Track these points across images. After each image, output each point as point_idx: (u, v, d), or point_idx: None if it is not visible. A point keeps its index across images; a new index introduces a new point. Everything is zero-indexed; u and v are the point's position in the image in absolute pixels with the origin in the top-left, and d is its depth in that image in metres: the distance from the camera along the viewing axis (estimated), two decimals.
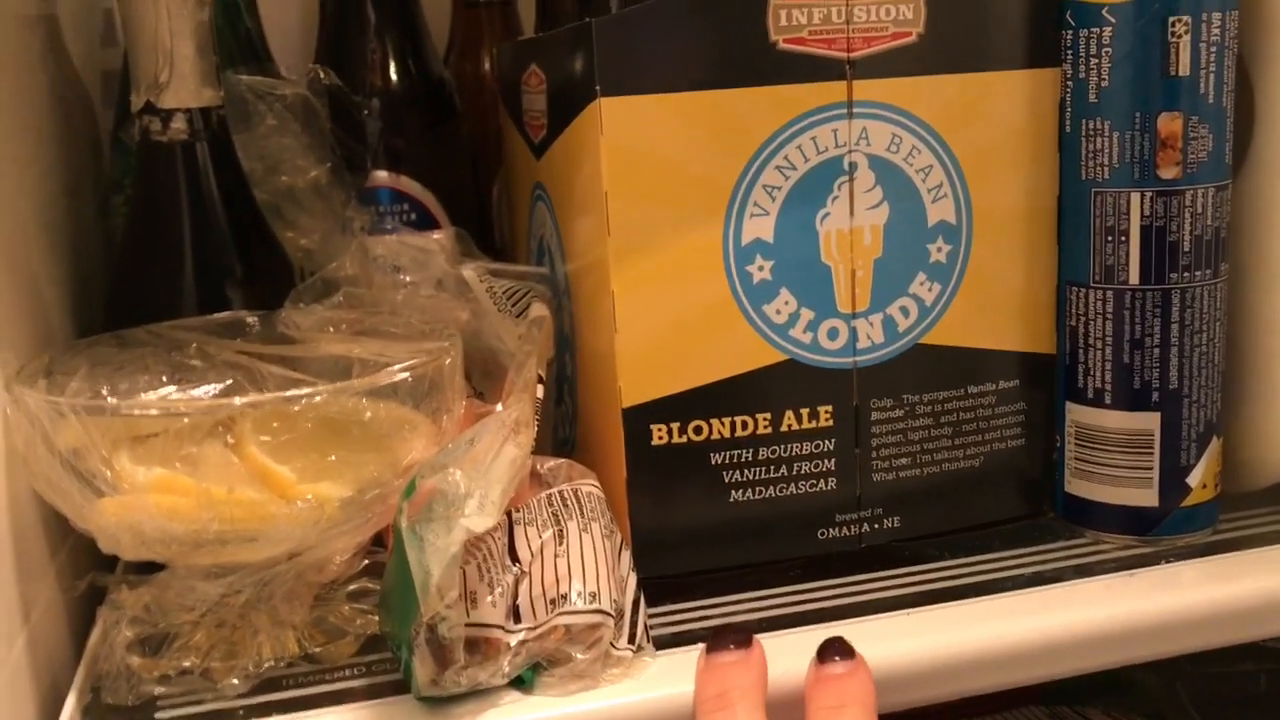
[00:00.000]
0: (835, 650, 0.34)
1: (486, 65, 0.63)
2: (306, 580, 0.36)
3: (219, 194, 0.43)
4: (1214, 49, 0.37)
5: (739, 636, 0.34)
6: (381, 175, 0.52)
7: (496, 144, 0.54)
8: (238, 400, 0.31)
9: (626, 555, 0.36)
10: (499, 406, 0.35)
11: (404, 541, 0.30)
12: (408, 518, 0.30)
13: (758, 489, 0.39)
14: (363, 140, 0.51)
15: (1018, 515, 0.42)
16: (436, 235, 0.47)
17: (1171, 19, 0.37)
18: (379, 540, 0.38)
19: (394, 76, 0.52)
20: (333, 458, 0.34)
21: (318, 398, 0.32)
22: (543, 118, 0.44)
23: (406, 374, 0.33)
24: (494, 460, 0.31)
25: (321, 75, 0.50)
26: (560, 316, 0.45)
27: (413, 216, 0.52)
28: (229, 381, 0.33)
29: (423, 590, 0.30)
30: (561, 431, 0.47)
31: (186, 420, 0.31)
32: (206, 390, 0.33)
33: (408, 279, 0.44)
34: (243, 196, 0.44)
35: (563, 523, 0.35)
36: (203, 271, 0.43)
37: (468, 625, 0.33)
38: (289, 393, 0.32)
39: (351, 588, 0.38)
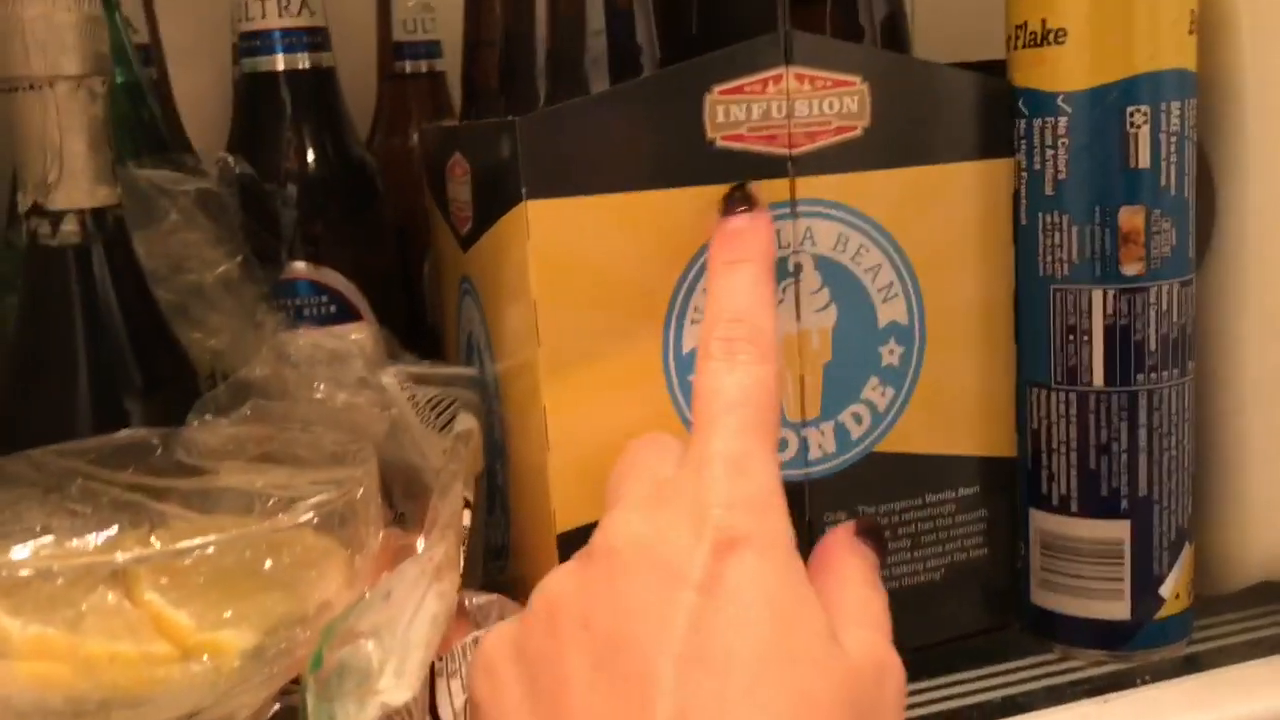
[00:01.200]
0: (740, 201, 0.33)
1: (415, 138, 0.60)
2: None
3: (116, 299, 0.40)
4: (1174, 139, 0.35)
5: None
6: (299, 266, 0.49)
7: (426, 221, 0.52)
8: (120, 556, 0.28)
9: None
10: (420, 542, 0.32)
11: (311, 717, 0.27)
12: (315, 693, 0.27)
13: None
14: (277, 230, 0.48)
15: (982, 629, 0.40)
16: (355, 335, 0.44)
17: (1129, 109, 0.35)
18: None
19: (310, 161, 0.49)
20: (231, 601, 0.31)
21: (211, 548, 0.28)
22: (468, 209, 0.41)
23: (312, 514, 0.30)
24: (414, 617, 0.28)
25: (232, 163, 0.47)
26: (491, 421, 0.42)
27: (333, 309, 0.49)
28: (114, 530, 0.30)
29: None
30: (494, 539, 0.44)
31: (61, 580, 0.27)
32: (88, 541, 0.29)
33: (322, 386, 0.40)
34: (143, 300, 0.41)
35: None
36: (97, 385, 0.39)
37: None
38: (180, 545, 0.28)
39: None
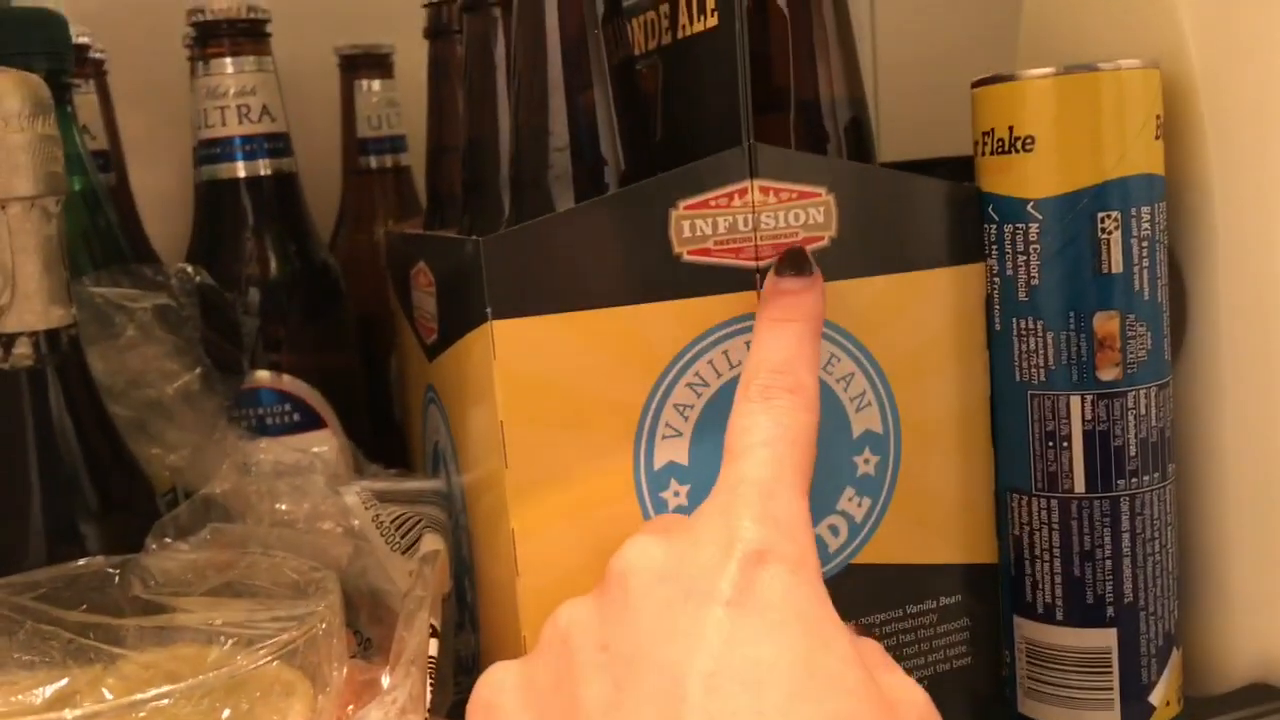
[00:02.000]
0: (792, 264, 0.33)
1: (380, 234, 0.60)
2: None
3: (70, 421, 0.39)
4: (1145, 244, 0.35)
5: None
6: (261, 375, 0.48)
7: (393, 317, 0.51)
8: (69, 714, 0.27)
9: None
10: (385, 678, 0.31)
11: None
12: None
13: None
14: (239, 339, 0.47)
15: None
16: (318, 448, 0.43)
17: (1100, 214, 0.35)
18: None
19: (271, 268, 0.48)
20: None
21: (166, 700, 0.27)
22: (433, 321, 0.40)
23: (271, 658, 0.29)
24: None
25: (191, 273, 0.46)
26: (458, 534, 0.41)
27: (296, 416, 0.48)
28: (63, 682, 0.29)
29: None
30: (465, 654, 0.42)
31: None
32: (33, 697, 0.28)
33: (283, 505, 0.39)
34: (98, 420, 0.40)
35: None
36: (51, 511, 0.38)
37: None
38: (133, 698, 0.27)
39: None
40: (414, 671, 0.30)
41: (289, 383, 0.48)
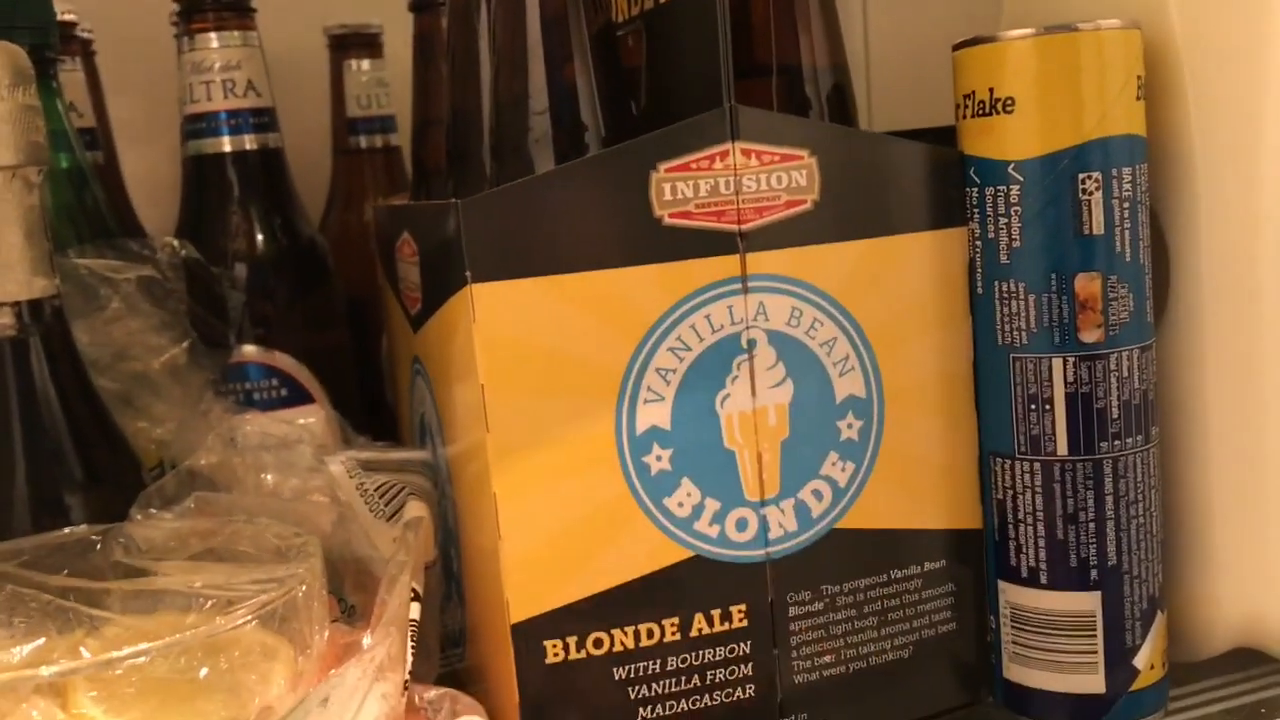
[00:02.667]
0: None
1: (370, 213, 0.60)
2: None
3: (55, 392, 0.39)
4: (1127, 205, 0.35)
5: None
6: (249, 350, 0.48)
7: (382, 296, 0.51)
8: (46, 670, 0.27)
9: None
10: (366, 639, 0.31)
11: None
12: None
13: (668, 703, 0.35)
14: (225, 314, 0.47)
15: (954, 705, 0.39)
16: (305, 419, 0.43)
17: (1081, 175, 0.34)
18: None
19: (258, 243, 0.48)
20: (170, 707, 0.29)
21: (143, 658, 0.27)
22: (417, 290, 0.40)
23: (251, 617, 0.29)
24: None
25: (178, 247, 0.46)
26: (444, 505, 0.41)
27: (284, 392, 0.48)
28: (40, 641, 0.29)
29: None
30: (452, 626, 0.42)
31: None
32: (10, 655, 0.28)
33: (269, 476, 0.39)
34: (84, 392, 0.40)
35: None
36: (36, 482, 0.38)
37: None
38: (110, 655, 0.27)
39: None
40: (394, 632, 0.30)
41: (277, 358, 0.48)
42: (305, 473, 0.41)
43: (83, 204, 0.48)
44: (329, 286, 0.51)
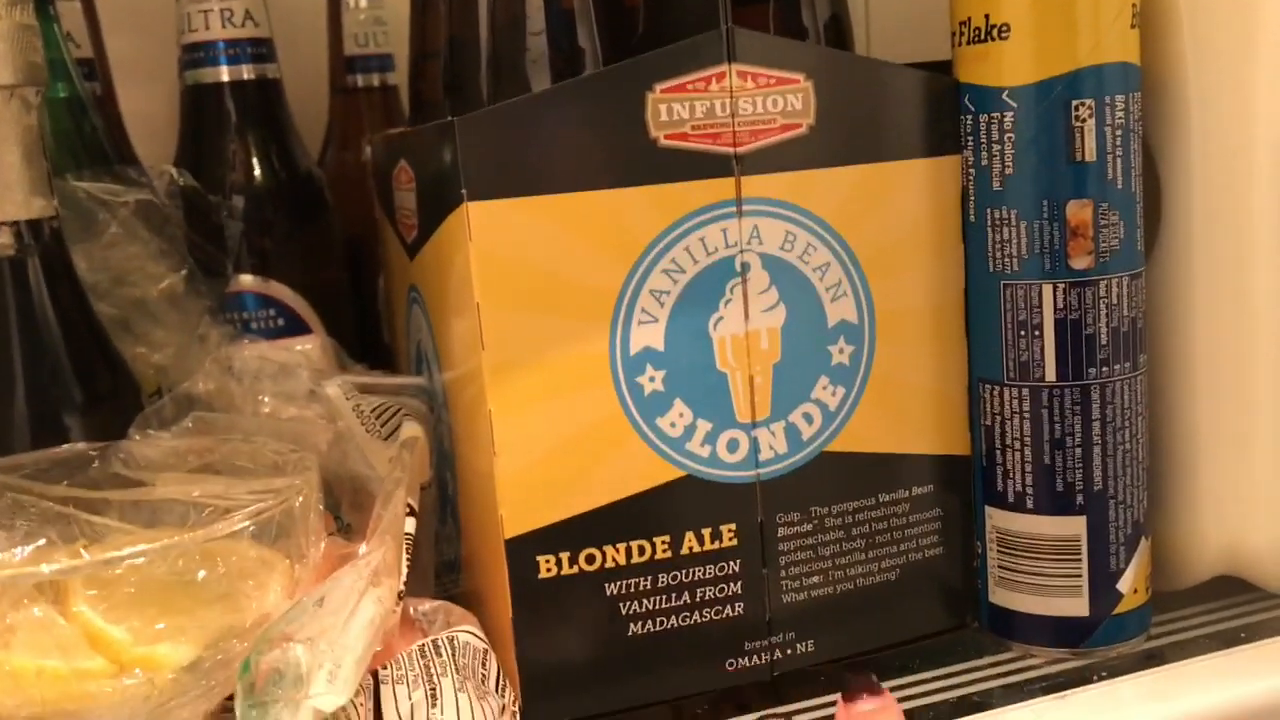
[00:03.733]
0: (863, 686, 0.33)
1: (368, 152, 0.60)
2: None
3: (54, 313, 0.39)
4: (1120, 133, 0.35)
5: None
6: (246, 279, 0.48)
7: (380, 236, 0.51)
8: (45, 568, 0.27)
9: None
10: (362, 548, 0.31)
11: None
12: (246, 701, 0.26)
13: (658, 619, 0.36)
14: (223, 243, 0.47)
15: (940, 629, 0.39)
16: (302, 346, 0.43)
17: (1074, 103, 0.35)
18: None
19: (256, 174, 0.49)
20: (168, 615, 0.30)
21: (141, 559, 0.27)
22: (413, 217, 0.41)
23: (248, 523, 0.29)
24: (348, 622, 0.27)
25: (175, 175, 0.46)
26: (440, 430, 0.41)
27: (280, 322, 0.48)
28: (41, 542, 0.29)
29: None
30: (447, 552, 0.43)
31: None
32: (11, 554, 0.28)
33: (267, 399, 0.40)
34: (83, 314, 0.40)
35: (435, 680, 0.31)
36: (36, 400, 0.38)
37: None
38: (107, 555, 0.28)
39: None
40: (389, 541, 0.31)
41: (274, 288, 0.48)
42: (303, 400, 0.42)
43: (81, 133, 0.48)
44: (326, 219, 0.51)
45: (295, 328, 0.48)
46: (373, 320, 0.57)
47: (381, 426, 0.38)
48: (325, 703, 0.26)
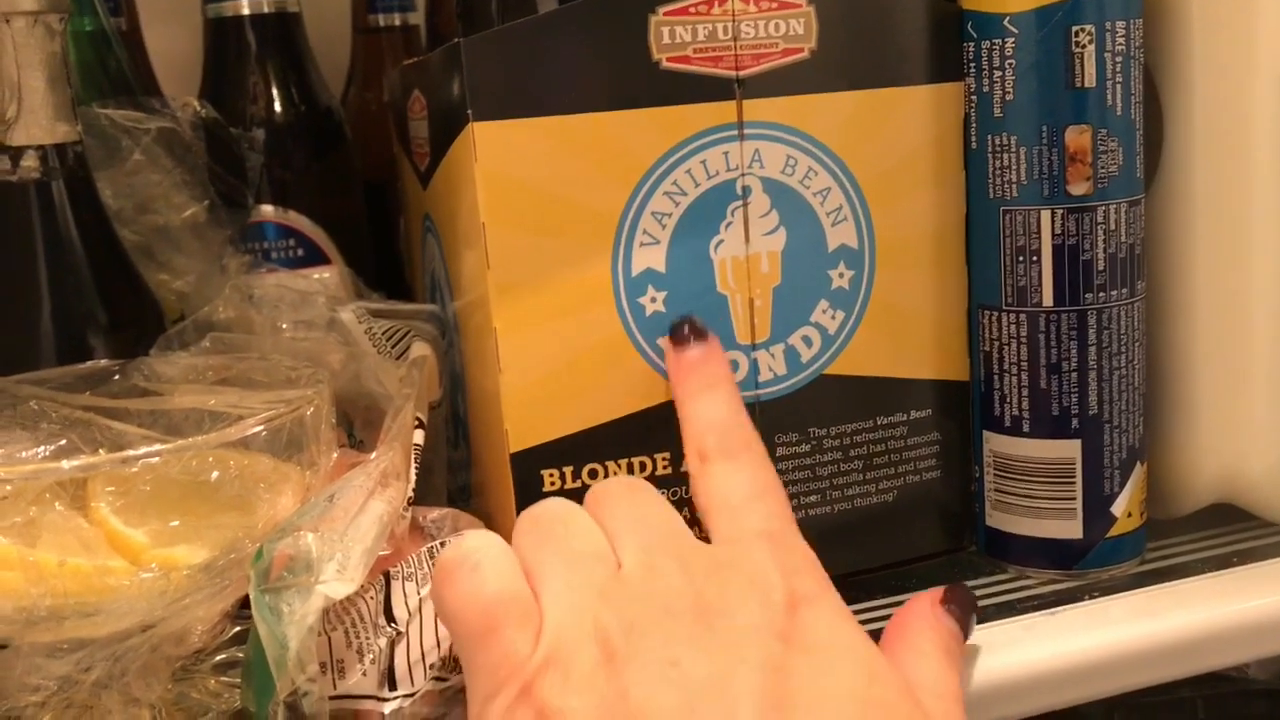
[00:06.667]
0: (692, 333, 0.35)
1: (387, 89, 0.61)
2: (164, 654, 0.33)
3: (79, 236, 0.40)
4: (1119, 59, 0.35)
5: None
6: (266, 209, 0.49)
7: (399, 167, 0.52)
8: (65, 464, 0.28)
9: None
10: (373, 456, 0.33)
11: (256, 613, 0.28)
12: (259, 587, 0.27)
13: None
14: (243, 175, 0.48)
15: (936, 551, 0.40)
16: (319, 274, 0.44)
17: (1074, 29, 0.35)
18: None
19: (277, 107, 0.49)
20: (185, 519, 0.31)
21: (156, 459, 0.29)
22: (426, 145, 0.41)
23: (260, 428, 0.30)
24: (356, 517, 0.29)
25: (198, 108, 0.47)
26: (451, 355, 0.42)
27: (300, 252, 0.49)
28: (61, 443, 0.30)
29: (278, 665, 0.28)
30: (459, 477, 0.44)
31: (9, 487, 0.28)
32: (34, 453, 0.30)
33: (285, 325, 0.41)
34: (107, 238, 0.41)
35: None
36: (61, 320, 0.40)
37: (335, 698, 0.30)
38: (125, 453, 0.29)
39: (220, 658, 0.35)
40: (398, 448, 0.32)
41: (293, 218, 0.49)
42: (322, 329, 0.43)
43: (105, 66, 0.49)
44: (345, 151, 0.52)
45: (314, 258, 0.50)
46: (393, 258, 0.58)
47: (392, 348, 0.39)
48: (334, 589, 0.27)
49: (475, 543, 0.29)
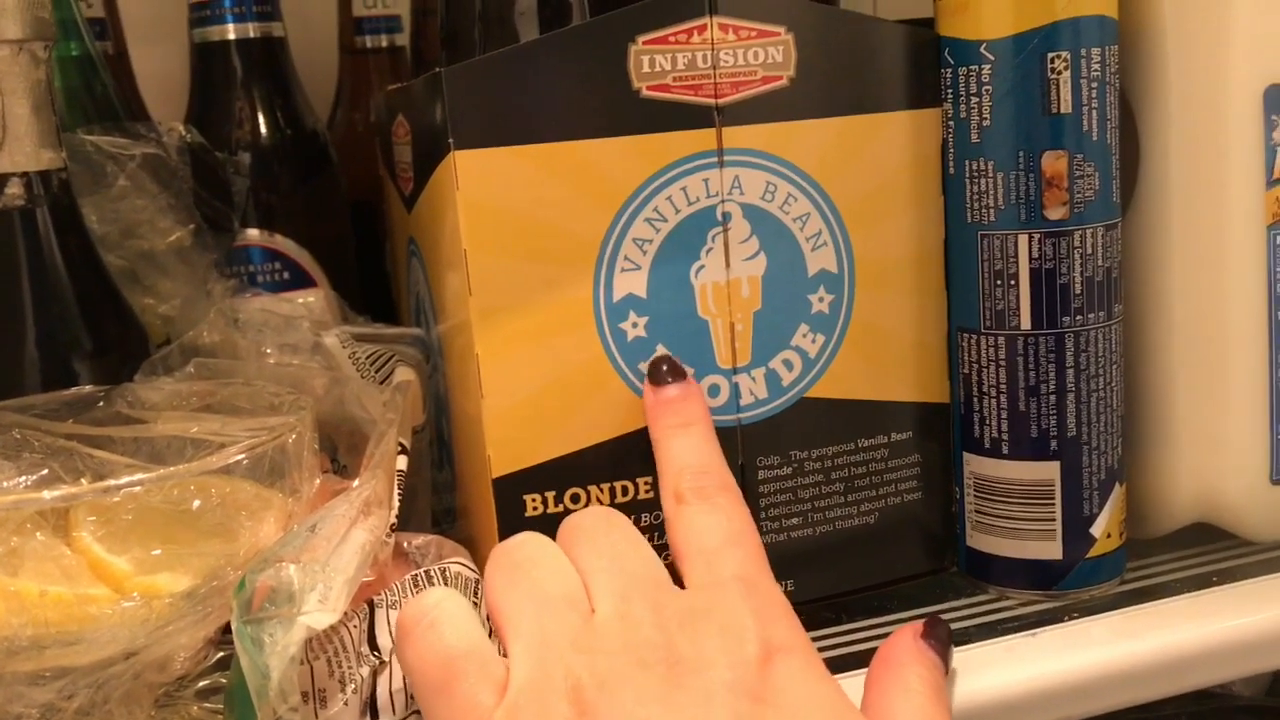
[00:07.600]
0: (669, 373, 0.35)
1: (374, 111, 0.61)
2: (147, 681, 0.33)
3: (63, 262, 0.40)
4: (1095, 85, 0.36)
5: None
6: (252, 233, 0.49)
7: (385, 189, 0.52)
8: (47, 494, 0.29)
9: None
10: (355, 483, 0.33)
11: (238, 643, 0.28)
12: (241, 618, 0.27)
13: None
14: (230, 198, 0.48)
15: (918, 572, 0.40)
16: (304, 298, 0.44)
17: (1050, 55, 0.35)
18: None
19: (263, 131, 0.50)
20: (168, 546, 0.31)
21: (138, 488, 0.29)
22: (410, 170, 0.42)
23: (242, 455, 0.31)
24: (339, 547, 0.29)
25: (183, 132, 0.47)
26: (436, 379, 0.42)
27: (285, 275, 0.50)
28: (44, 472, 0.31)
29: (259, 695, 0.28)
30: (444, 500, 0.44)
31: None
32: (16, 483, 0.30)
33: (269, 350, 0.41)
34: (91, 264, 0.42)
35: None
36: (46, 345, 0.40)
37: None
38: (107, 483, 0.29)
39: (203, 684, 0.35)
40: (380, 475, 0.32)
41: (279, 241, 0.49)
42: (306, 352, 0.43)
43: (91, 91, 0.49)
44: (330, 174, 0.52)
45: (300, 281, 0.50)
46: (380, 278, 0.59)
47: (376, 372, 0.39)
48: (316, 620, 0.27)
49: (432, 599, 0.30)
